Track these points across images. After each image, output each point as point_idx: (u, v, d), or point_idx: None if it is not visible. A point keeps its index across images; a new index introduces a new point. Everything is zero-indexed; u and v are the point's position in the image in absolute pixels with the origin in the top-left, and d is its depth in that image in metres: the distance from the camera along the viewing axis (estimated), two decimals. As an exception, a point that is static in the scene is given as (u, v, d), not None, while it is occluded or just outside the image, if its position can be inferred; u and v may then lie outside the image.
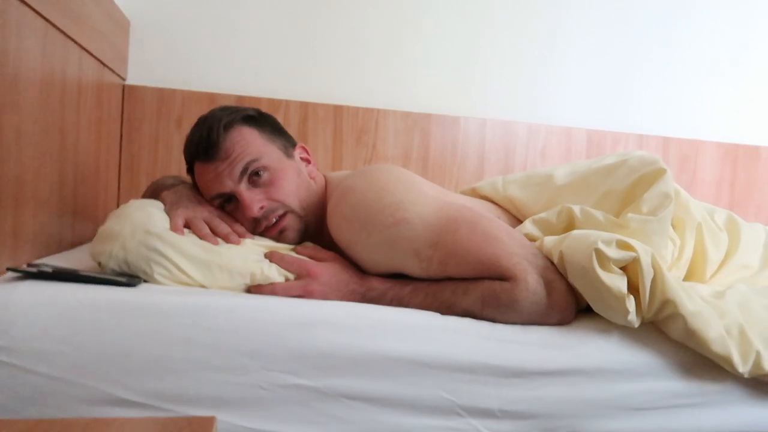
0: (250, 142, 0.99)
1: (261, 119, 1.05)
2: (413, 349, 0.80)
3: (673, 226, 1.04)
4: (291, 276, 0.92)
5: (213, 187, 0.99)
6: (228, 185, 0.98)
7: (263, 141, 1.02)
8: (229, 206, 1.01)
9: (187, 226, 0.94)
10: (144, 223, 0.89)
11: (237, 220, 0.99)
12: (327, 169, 1.69)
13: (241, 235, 0.96)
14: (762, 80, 2.06)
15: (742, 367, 0.83)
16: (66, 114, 1.13)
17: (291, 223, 1.01)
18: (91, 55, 1.27)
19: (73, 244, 1.21)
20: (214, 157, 0.98)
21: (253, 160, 0.98)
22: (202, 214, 0.97)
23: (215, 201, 1.00)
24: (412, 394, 0.79)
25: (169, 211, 0.95)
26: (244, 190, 0.98)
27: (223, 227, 0.95)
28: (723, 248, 1.09)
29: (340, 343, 0.78)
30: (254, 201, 0.97)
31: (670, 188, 0.94)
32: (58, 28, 1.05)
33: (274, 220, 1.00)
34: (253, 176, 0.99)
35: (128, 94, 1.59)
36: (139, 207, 0.93)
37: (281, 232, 1.00)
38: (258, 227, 1.00)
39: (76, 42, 1.16)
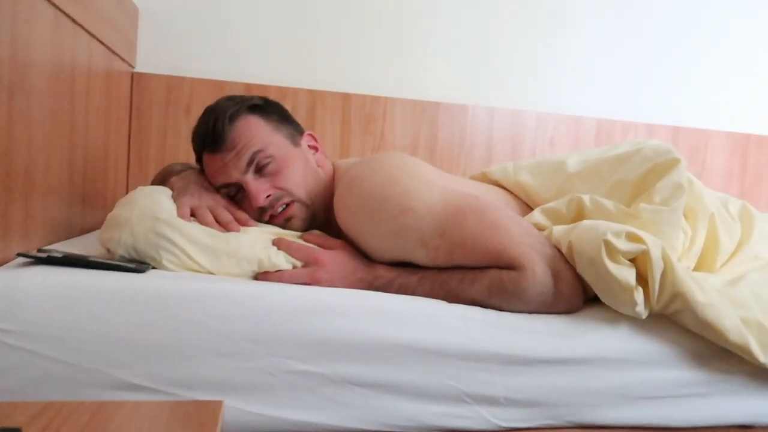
0: (255, 132, 1.00)
1: (267, 108, 1.05)
2: (419, 336, 0.80)
3: (685, 216, 1.03)
4: (298, 263, 0.93)
5: (220, 177, 1.00)
6: (234, 175, 0.99)
7: (269, 130, 1.02)
8: (237, 196, 1.01)
9: (192, 214, 0.94)
10: (152, 209, 0.90)
11: (245, 210, 1.00)
12: (335, 157, 1.69)
13: (243, 223, 0.96)
14: (775, 69, 2.03)
15: (763, 357, 0.83)
16: (75, 102, 1.13)
17: (297, 212, 1.01)
18: (101, 42, 1.27)
19: (83, 231, 1.22)
20: (220, 148, 0.99)
21: (259, 151, 0.99)
22: (207, 202, 0.97)
23: (223, 190, 1.01)
24: (418, 381, 0.80)
25: (175, 198, 0.96)
26: (250, 180, 0.98)
27: (225, 215, 0.95)
28: (736, 238, 1.08)
29: (347, 330, 0.79)
30: (260, 191, 0.98)
31: (683, 178, 0.93)
32: (68, 16, 1.05)
33: (280, 209, 1.00)
34: (260, 166, 0.99)
35: (137, 81, 1.59)
36: (147, 194, 0.94)
37: (287, 220, 1.01)
38: (264, 216, 1.00)
39: (85, 29, 1.16)
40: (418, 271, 0.92)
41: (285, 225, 1.01)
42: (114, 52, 1.38)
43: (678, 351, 0.86)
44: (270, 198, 0.99)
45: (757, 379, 0.87)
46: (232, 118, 0.99)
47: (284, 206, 1.00)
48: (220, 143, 0.98)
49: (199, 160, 1.06)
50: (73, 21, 1.09)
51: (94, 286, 0.76)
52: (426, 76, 1.79)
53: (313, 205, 1.03)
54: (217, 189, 1.01)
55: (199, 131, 1.02)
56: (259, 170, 0.99)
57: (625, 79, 1.92)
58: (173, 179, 1.03)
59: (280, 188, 1.00)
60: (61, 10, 1.02)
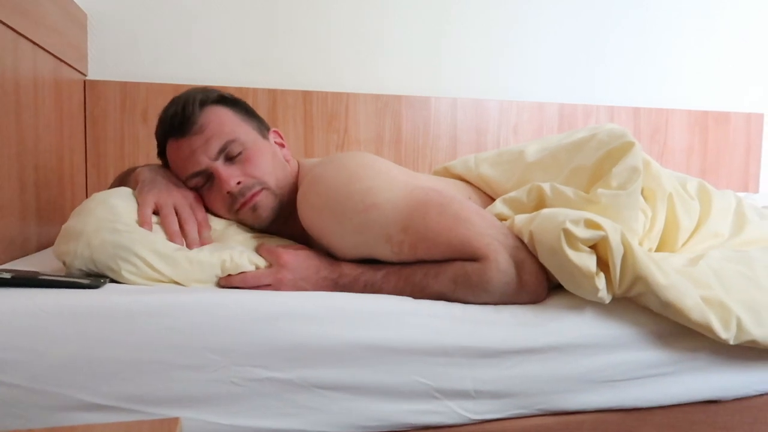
0: (225, 121, 0.99)
1: (235, 101, 1.05)
2: (385, 336, 0.79)
3: (645, 198, 1.04)
4: (261, 264, 0.91)
5: (188, 165, 0.98)
6: (204, 162, 0.97)
7: (238, 120, 1.02)
8: (206, 185, 1.00)
9: (156, 211, 0.92)
10: (107, 218, 0.87)
11: (214, 200, 0.98)
12: (299, 156, 1.67)
13: (203, 228, 0.95)
14: (729, 46, 2.07)
15: (725, 334, 0.83)
16: (23, 114, 1.10)
17: (265, 200, 1.00)
18: (46, 51, 1.23)
19: (40, 247, 1.19)
20: (188, 131, 0.97)
21: (232, 141, 0.98)
22: (175, 198, 0.95)
23: (191, 181, 0.99)
24: (386, 381, 0.79)
25: (139, 192, 0.93)
26: (220, 165, 0.98)
27: (191, 227, 0.93)
28: (695, 217, 1.09)
29: (310, 334, 0.77)
30: (231, 176, 0.97)
31: (639, 162, 0.94)
32: (6, 25, 1.02)
33: (250, 196, 0.98)
34: (231, 155, 0.98)
35: (90, 89, 1.55)
36: (102, 201, 0.91)
37: (254, 209, 0.99)
38: (234, 204, 0.98)
39: (27, 38, 1.12)
40: (382, 267, 0.91)
41: (252, 214, 0.99)
42: (62, 61, 1.34)
43: (643, 333, 0.87)
44: (241, 185, 0.98)
45: (721, 355, 0.89)
46: (202, 104, 0.99)
47: (253, 194, 0.99)
48: (189, 127, 0.97)
49: (162, 153, 1.03)
50: (13, 30, 1.05)
51: (47, 307, 0.73)
52: (387, 69, 1.78)
53: (282, 196, 1.02)
54: (184, 180, 0.99)
55: (167, 116, 1.00)
56: (230, 158, 0.99)
57: (584, 63, 1.94)
58: (140, 169, 1.02)
59: (251, 176, 0.99)
60: (-1, 20, 0.99)
